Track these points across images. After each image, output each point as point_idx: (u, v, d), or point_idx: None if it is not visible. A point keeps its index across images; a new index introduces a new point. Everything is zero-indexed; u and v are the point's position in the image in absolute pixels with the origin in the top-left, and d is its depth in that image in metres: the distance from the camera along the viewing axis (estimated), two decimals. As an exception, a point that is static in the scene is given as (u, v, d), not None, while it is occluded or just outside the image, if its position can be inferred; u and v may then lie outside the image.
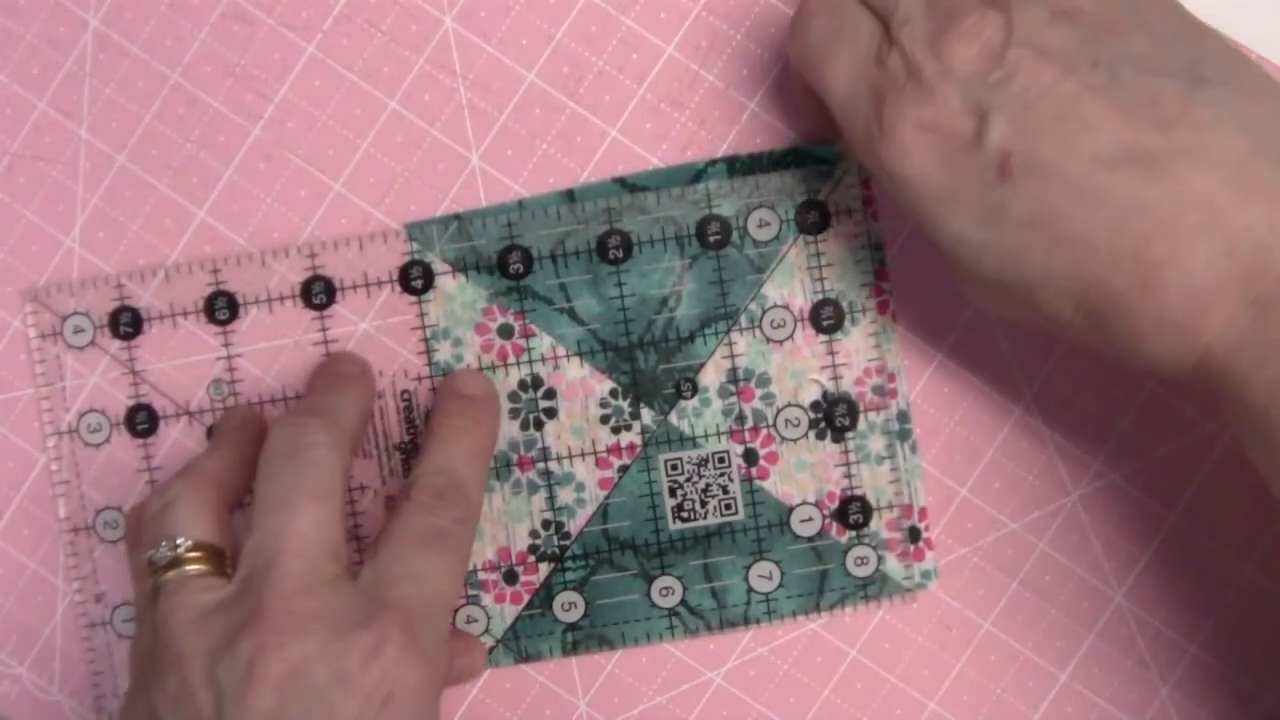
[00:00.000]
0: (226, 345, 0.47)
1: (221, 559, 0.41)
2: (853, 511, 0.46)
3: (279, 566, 0.38)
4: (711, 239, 0.46)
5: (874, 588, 0.47)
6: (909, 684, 0.47)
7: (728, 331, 0.46)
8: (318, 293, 0.47)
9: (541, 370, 0.47)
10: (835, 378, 0.46)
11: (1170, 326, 0.35)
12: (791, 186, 0.46)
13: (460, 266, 0.47)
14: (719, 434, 0.46)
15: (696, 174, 0.46)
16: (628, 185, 0.46)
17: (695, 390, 0.46)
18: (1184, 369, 0.35)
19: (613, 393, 0.46)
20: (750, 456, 0.47)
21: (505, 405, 0.47)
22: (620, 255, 0.46)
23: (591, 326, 0.46)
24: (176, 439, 0.47)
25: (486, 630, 0.47)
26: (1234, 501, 0.46)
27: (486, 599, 0.47)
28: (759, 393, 0.46)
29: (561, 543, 0.47)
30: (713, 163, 0.46)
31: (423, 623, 0.39)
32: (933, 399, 0.47)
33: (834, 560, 0.47)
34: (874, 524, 0.46)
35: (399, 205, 0.47)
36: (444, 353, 0.47)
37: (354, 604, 0.39)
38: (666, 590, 0.47)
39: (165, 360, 0.47)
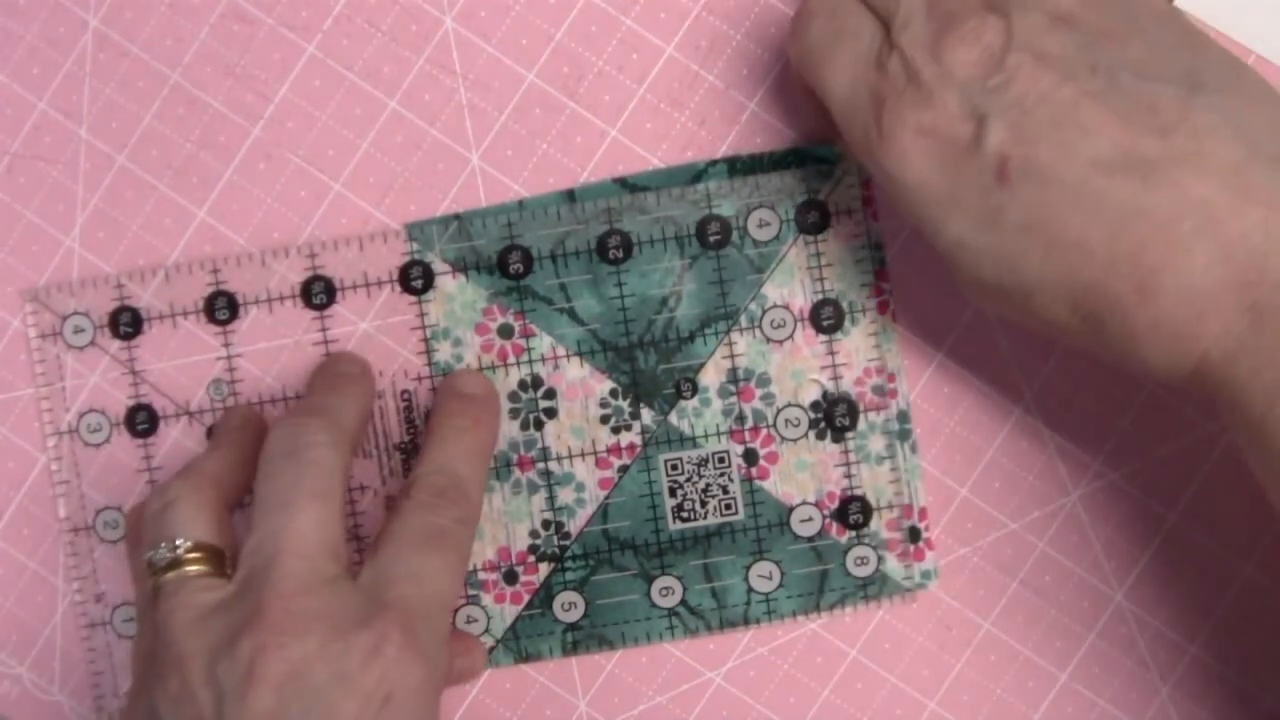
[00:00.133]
0: (226, 345, 0.47)
1: (221, 559, 0.41)
2: (853, 511, 0.46)
3: (279, 566, 0.38)
4: (711, 239, 0.46)
5: (874, 588, 0.47)
6: (909, 684, 0.47)
7: (728, 331, 0.46)
8: (318, 293, 0.47)
9: (541, 370, 0.47)
10: (835, 378, 0.46)
11: (1167, 332, 0.35)
12: (791, 186, 0.46)
13: (460, 266, 0.47)
14: (719, 434, 0.46)
15: (697, 174, 0.46)
16: (628, 185, 0.46)
17: (695, 390, 0.46)
18: (1181, 374, 0.35)
19: (613, 393, 0.47)
20: (750, 456, 0.47)
21: (505, 405, 0.47)
22: (620, 255, 0.46)
23: (591, 326, 0.46)
24: (176, 439, 0.47)
25: (486, 630, 0.47)
26: (1234, 501, 0.46)
27: (486, 599, 0.47)
28: (759, 393, 0.46)
29: (561, 543, 0.47)
30: (713, 163, 0.46)
31: (423, 623, 0.39)
32: (933, 399, 0.47)
33: (834, 560, 0.47)
34: (874, 524, 0.46)
35: (399, 205, 0.47)
36: (444, 353, 0.47)
37: (354, 604, 0.39)
38: (666, 590, 0.47)
39: (165, 360, 0.47)
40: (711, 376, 0.46)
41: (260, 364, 0.47)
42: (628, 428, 0.47)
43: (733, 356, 0.46)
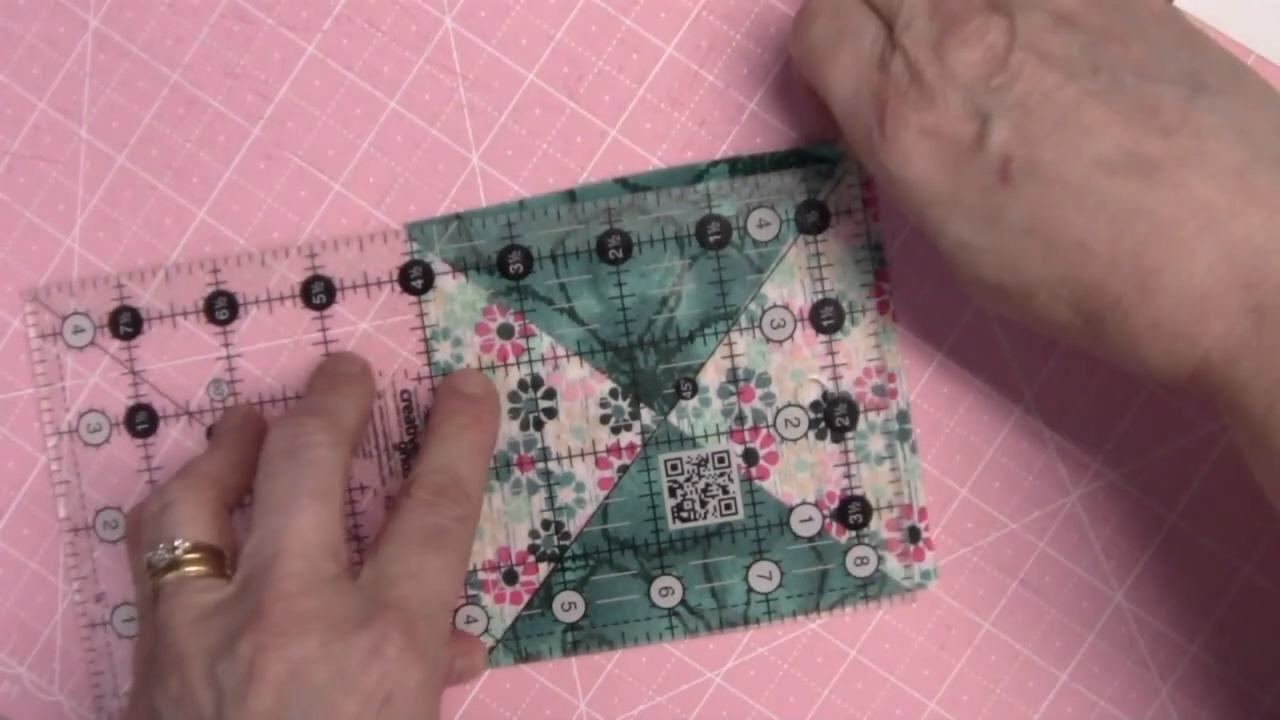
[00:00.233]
0: (226, 345, 0.47)
1: (220, 560, 0.41)
2: (853, 511, 0.46)
3: (279, 566, 0.38)
4: (711, 239, 0.46)
5: (874, 588, 0.47)
6: (909, 684, 0.47)
7: (728, 331, 0.46)
8: (318, 293, 0.47)
9: (541, 370, 0.47)
10: (835, 378, 0.46)
11: (1168, 332, 0.35)
12: (792, 186, 0.46)
13: (460, 266, 0.47)
14: (719, 434, 0.46)
15: (698, 174, 0.46)
16: (629, 185, 0.46)
17: (695, 390, 0.46)
18: (1182, 375, 0.35)
19: (613, 393, 0.47)
20: (750, 456, 0.47)
21: (505, 405, 0.47)
22: (620, 255, 0.46)
23: (591, 326, 0.46)
24: (176, 439, 0.47)
25: (486, 630, 0.47)
26: (1234, 501, 0.46)
27: (486, 599, 0.47)
28: (759, 393, 0.46)
29: (561, 543, 0.47)
30: (714, 163, 0.46)
31: (423, 623, 0.39)
32: (933, 399, 0.47)
33: (834, 560, 0.47)
34: (874, 524, 0.46)
35: (399, 205, 0.47)
36: (444, 353, 0.47)
37: (354, 604, 0.39)
38: (666, 590, 0.47)
39: (165, 360, 0.47)
40: (711, 376, 0.46)
41: (260, 364, 0.47)
42: (628, 428, 0.47)
43: (733, 356, 0.46)
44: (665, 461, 0.47)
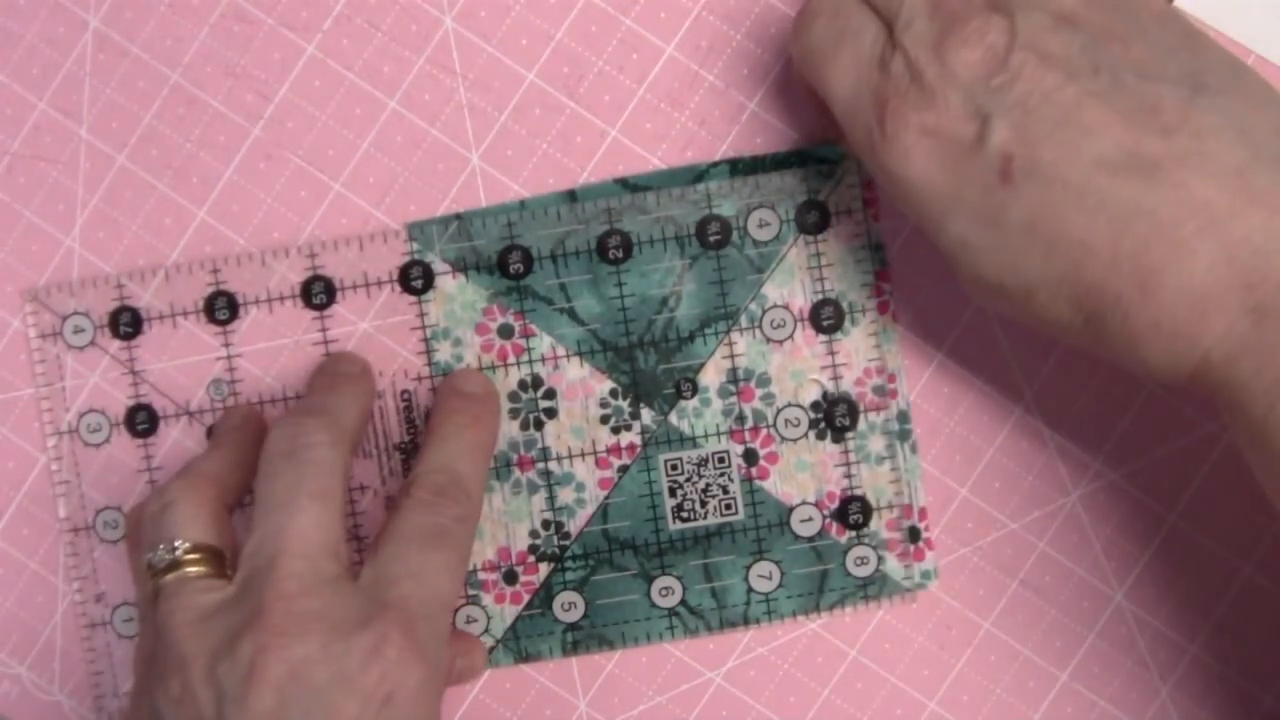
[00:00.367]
0: (226, 345, 0.47)
1: (221, 560, 0.41)
2: (853, 511, 0.46)
3: (280, 567, 0.38)
4: (711, 239, 0.46)
5: (874, 588, 0.47)
6: (909, 684, 0.47)
7: (728, 331, 0.46)
8: (318, 293, 0.47)
9: (541, 370, 0.47)
10: (835, 378, 0.46)
11: (1168, 332, 0.35)
12: (792, 186, 0.46)
13: (460, 266, 0.47)
14: (719, 434, 0.46)
15: (699, 175, 0.46)
16: (629, 185, 0.46)
17: (695, 390, 0.46)
18: (1182, 375, 0.35)
19: (613, 393, 0.47)
20: (750, 456, 0.47)
21: (505, 405, 0.47)
22: (620, 255, 0.46)
23: (591, 326, 0.46)
24: (176, 439, 0.47)
25: (486, 630, 0.47)
26: (1234, 501, 0.46)
27: (486, 599, 0.47)
28: (759, 393, 0.46)
29: (561, 543, 0.47)
30: (715, 164, 0.46)
31: (423, 623, 0.39)
32: (933, 399, 0.47)
33: (834, 560, 0.47)
34: (874, 524, 0.46)
35: (399, 205, 0.47)
36: (444, 353, 0.47)
37: (355, 604, 0.39)
38: (666, 590, 0.47)
39: (165, 360, 0.47)
40: (711, 376, 0.46)
41: (260, 364, 0.47)
42: (628, 428, 0.47)
43: (733, 356, 0.46)
44: (665, 461, 0.47)
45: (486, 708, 0.48)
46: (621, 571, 0.47)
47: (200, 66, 0.47)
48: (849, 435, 0.46)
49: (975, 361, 0.46)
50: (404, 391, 0.47)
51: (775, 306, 0.46)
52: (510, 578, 0.47)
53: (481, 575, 0.47)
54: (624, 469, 0.47)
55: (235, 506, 0.43)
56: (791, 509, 0.47)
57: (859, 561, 0.47)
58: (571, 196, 0.47)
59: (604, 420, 0.47)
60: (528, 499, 0.47)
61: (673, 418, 0.46)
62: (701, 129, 0.47)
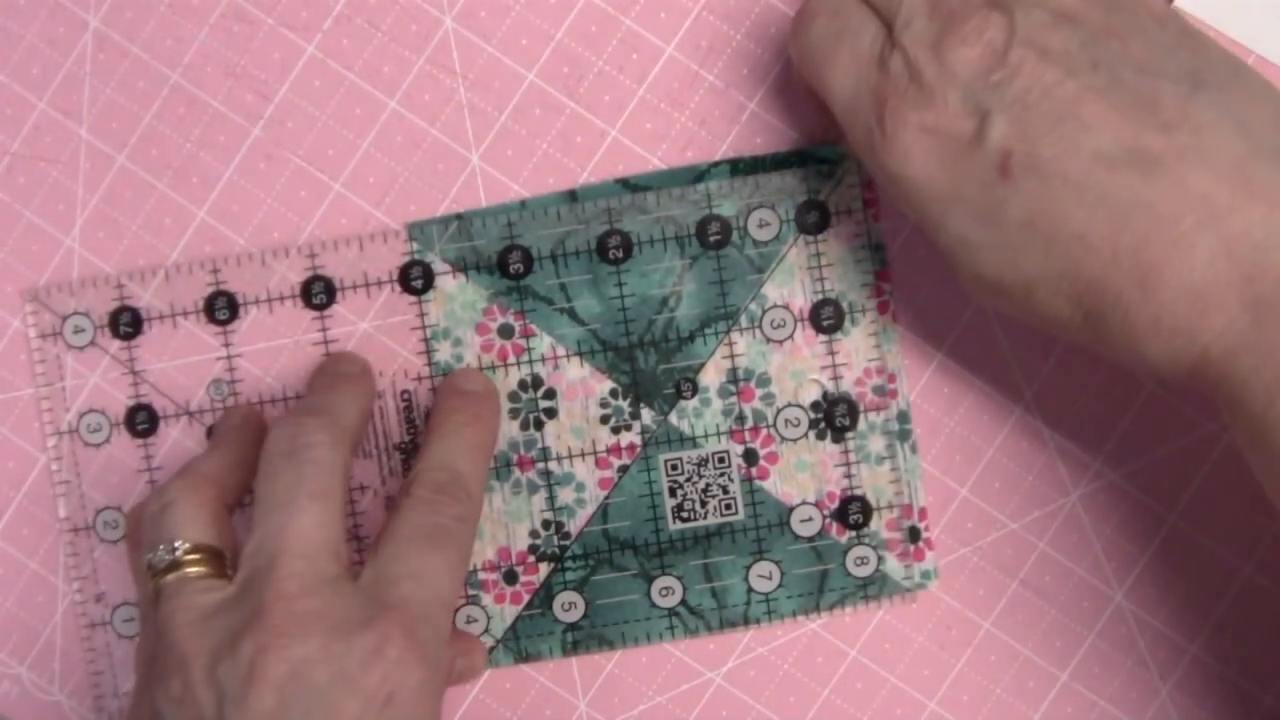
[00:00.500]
0: (226, 345, 0.47)
1: (221, 560, 0.41)
2: (853, 511, 0.46)
3: (280, 567, 0.38)
4: (712, 239, 0.46)
5: (874, 588, 0.47)
6: (909, 684, 0.47)
7: (728, 331, 0.46)
8: (318, 293, 0.47)
9: (541, 370, 0.47)
10: (835, 378, 0.46)
11: (1167, 327, 0.35)
12: (792, 186, 0.46)
13: (460, 266, 0.47)
14: (719, 434, 0.46)
15: (699, 175, 0.46)
16: (630, 186, 0.46)
17: (695, 390, 0.46)
18: (1181, 370, 0.35)
19: (613, 393, 0.47)
20: (750, 456, 0.47)
21: (505, 405, 0.47)
22: (620, 255, 0.46)
23: (591, 326, 0.46)
24: (176, 439, 0.47)
25: (486, 630, 0.47)
26: (1234, 501, 0.46)
27: (486, 599, 0.47)
28: (759, 393, 0.46)
29: (561, 543, 0.47)
30: (716, 164, 0.46)
31: (424, 623, 0.39)
32: (933, 399, 0.47)
33: (834, 560, 0.47)
34: (874, 524, 0.46)
35: (399, 205, 0.47)
36: (444, 353, 0.47)
37: (355, 604, 0.39)
38: (666, 590, 0.47)
39: (165, 360, 0.47)
40: (711, 376, 0.46)
41: (260, 364, 0.47)
42: (628, 428, 0.47)
43: (733, 356, 0.46)
44: (665, 461, 0.47)
45: (486, 708, 0.48)
46: (621, 571, 0.47)
47: (200, 66, 0.47)
48: (849, 435, 0.46)
49: (975, 361, 0.46)
50: (404, 391, 0.47)
51: (775, 306, 0.46)
52: (510, 578, 0.47)
53: (481, 575, 0.47)
54: (624, 469, 0.47)
55: (235, 506, 0.43)
56: (791, 509, 0.47)
57: (859, 561, 0.47)
58: (572, 196, 0.47)
59: (604, 420, 0.47)
60: (528, 499, 0.47)
61: (673, 418, 0.46)
62: (701, 129, 0.47)
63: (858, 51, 0.39)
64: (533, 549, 0.47)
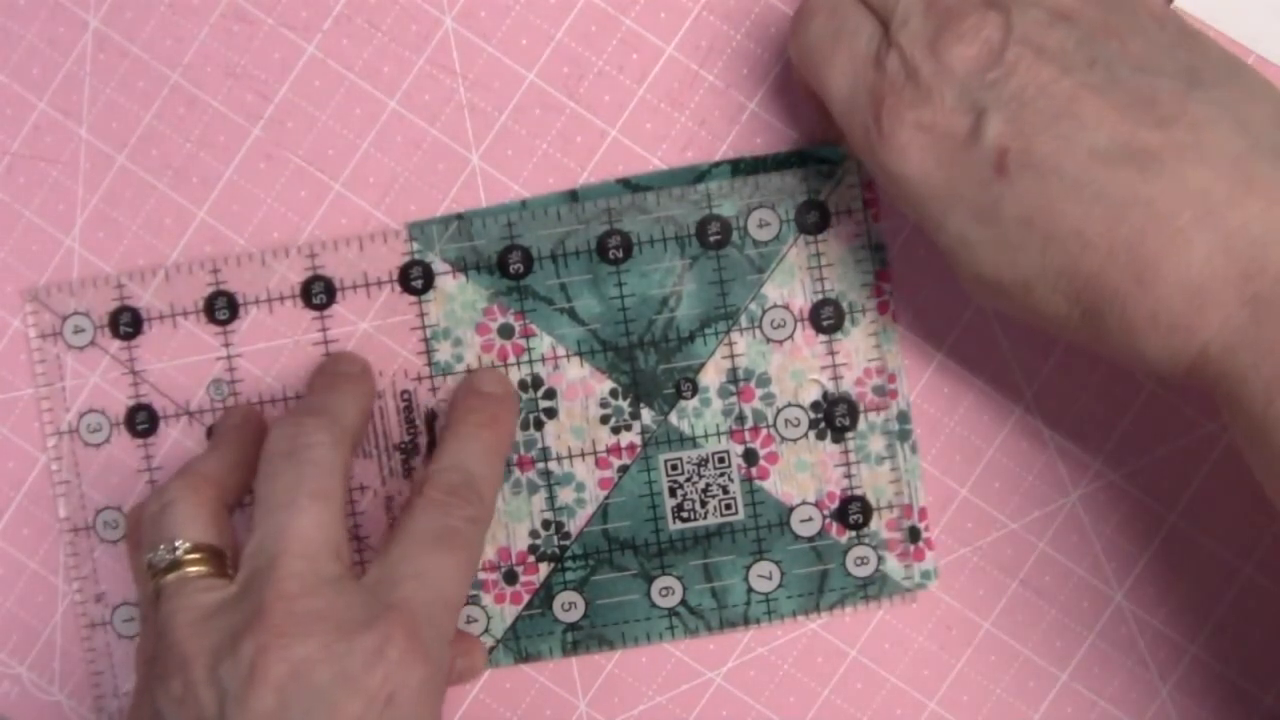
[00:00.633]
0: (226, 345, 0.47)
1: (221, 559, 0.41)
2: (853, 511, 0.46)
3: (281, 566, 0.38)
4: (712, 239, 0.46)
5: (874, 588, 0.47)
6: (909, 684, 0.47)
7: (728, 331, 0.46)
8: (318, 293, 0.47)
9: (541, 370, 0.47)
10: (835, 378, 0.46)
11: (1166, 324, 0.35)
12: (792, 187, 0.46)
13: (460, 266, 0.47)
14: (719, 434, 0.46)
15: (700, 175, 0.46)
16: (630, 186, 0.46)
17: (695, 390, 0.46)
18: (1180, 368, 0.35)
19: (613, 393, 0.47)
20: (750, 456, 0.47)
21: (508, 405, 0.47)
22: (620, 255, 0.46)
23: (591, 326, 0.46)
24: (176, 439, 0.47)
25: (486, 630, 0.47)
26: (1234, 501, 0.46)
27: (486, 599, 0.47)
28: (759, 393, 0.46)
29: (561, 543, 0.47)
30: (717, 165, 0.46)
31: (426, 624, 0.39)
32: (933, 399, 0.47)
33: (834, 560, 0.47)
34: (874, 524, 0.46)
35: (399, 205, 0.47)
36: (444, 353, 0.47)
37: (358, 604, 0.39)
38: (666, 590, 0.47)
39: (165, 360, 0.47)
40: (711, 376, 0.46)
41: (260, 364, 0.47)
42: (628, 428, 0.47)
43: (733, 356, 0.46)
44: (665, 461, 0.47)
45: (486, 708, 0.48)
46: (621, 571, 0.47)
47: (200, 66, 0.47)
48: (849, 435, 0.46)
49: (975, 361, 0.46)
50: (404, 391, 0.47)
51: (775, 306, 0.46)
52: (510, 578, 0.47)
53: (481, 575, 0.47)
54: (624, 469, 0.47)
55: (235, 506, 0.43)
56: (791, 509, 0.47)
57: (859, 561, 0.47)
58: (572, 196, 0.47)
59: (604, 420, 0.47)
60: (528, 499, 0.47)
61: (673, 418, 0.46)
62: (701, 129, 0.47)
63: (855, 51, 0.39)
64: (533, 549, 0.47)
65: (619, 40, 0.46)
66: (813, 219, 0.46)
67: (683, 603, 0.47)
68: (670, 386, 0.46)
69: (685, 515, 0.47)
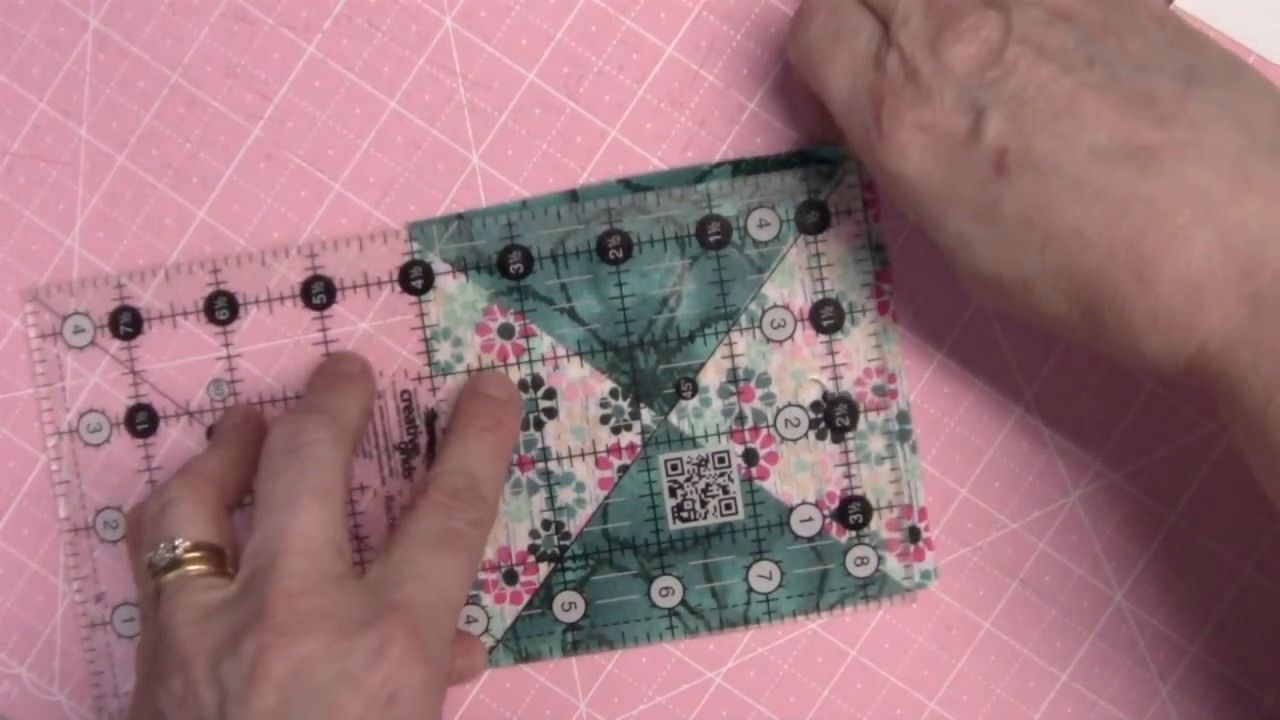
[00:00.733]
0: (226, 345, 0.47)
1: (222, 558, 0.41)
2: (853, 511, 0.46)
3: (282, 565, 0.38)
4: (712, 239, 0.46)
5: (874, 588, 0.47)
6: (909, 684, 0.47)
7: (728, 331, 0.46)
8: (318, 293, 0.47)
9: (541, 370, 0.47)
10: (835, 378, 0.46)
11: (1165, 322, 0.35)
12: (792, 187, 0.46)
13: (460, 266, 0.47)
14: (719, 434, 0.46)
15: (701, 175, 0.46)
16: (631, 186, 0.46)
17: (695, 390, 0.46)
18: (1179, 365, 0.35)
19: (613, 393, 0.47)
20: (750, 456, 0.47)
21: (508, 405, 0.47)
22: (620, 255, 0.46)
23: (592, 326, 0.46)
24: (176, 439, 0.47)
25: (486, 630, 0.47)
26: (1234, 501, 0.46)
27: (486, 599, 0.47)
28: (759, 393, 0.46)
29: (561, 543, 0.47)
30: (717, 165, 0.46)
31: (428, 624, 0.39)
32: (933, 399, 0.47)
33: (834, 560, 0.47)
34: (874, 524, 0.46)
35: (399, 205, 0.47)
36: (444, 353, 0.47)
37: (359, 603, 0.39)
38: (666, 590, 0.47)
39: (165, 360, 0.47)
40: (711, 376, 0.46)
41: (260, 364, 0.47)
42: (628, 428, 0.47)
43: (733, 356, 0.46)
44: (665, 461, 0.47)
45: (486, 708, 0.48)
46: (621, 571, 0.47)
47: (200, 66, 0.47)
48: (849, 435, 0.46)
49: (975, 361, 0.46)
50: (404, 391, 0.47)
51: (775, 306, 0.46)
52: (510, 578, 0.47)
53: (481, 575, 0.47)
54: (624, 469, 0.47)
55: (236, 505, 0.43)
56: (791, 509, 0.47)
57: (859, 561, 0.47)
58: (572, 196, 0.47)
59: (604, 420, 0.47)
60: (528, 499, 0.47)
61: (673, 418, 0.46)
62: (701, 129, 0.47)
63: (855, 51, 0.39)
64: (533, 549, 0.47)
65: (619, 40, 0.46)
66: (813, 219, 0.46)
67: (683, 603, 0.47)
68: (670, 386, 0.46)
69: (685, 515, 0.47)
